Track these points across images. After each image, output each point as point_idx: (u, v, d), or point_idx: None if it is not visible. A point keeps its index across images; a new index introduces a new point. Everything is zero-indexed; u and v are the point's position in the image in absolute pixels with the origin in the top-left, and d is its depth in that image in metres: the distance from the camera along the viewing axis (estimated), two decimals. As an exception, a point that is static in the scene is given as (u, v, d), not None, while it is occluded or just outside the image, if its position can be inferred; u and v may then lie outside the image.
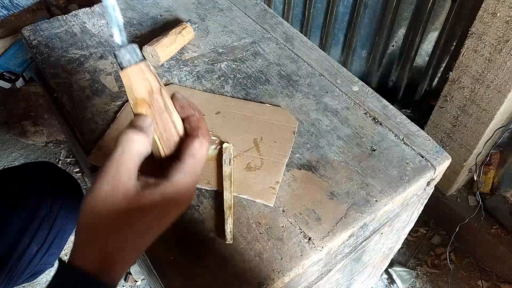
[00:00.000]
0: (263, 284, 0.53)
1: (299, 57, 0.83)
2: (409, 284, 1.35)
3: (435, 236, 1.45)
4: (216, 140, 0.67)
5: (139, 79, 0.41)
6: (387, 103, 0.76)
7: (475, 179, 1.32)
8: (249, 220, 0.59)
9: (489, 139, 1.19)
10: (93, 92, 0.76)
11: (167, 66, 0.80)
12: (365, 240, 0.67)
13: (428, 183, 0.70)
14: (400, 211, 0.71)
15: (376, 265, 0.96)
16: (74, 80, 0.77)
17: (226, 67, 0.81)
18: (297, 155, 0.67)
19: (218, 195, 0.61)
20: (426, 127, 1.32)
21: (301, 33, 0.91)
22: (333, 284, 0.76)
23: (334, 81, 0.79)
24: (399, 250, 1.28)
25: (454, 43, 1.32)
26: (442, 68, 1.43)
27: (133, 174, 0.38)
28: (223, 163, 0.63)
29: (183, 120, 0.44)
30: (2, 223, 0.75)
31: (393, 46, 1.47)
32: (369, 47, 1.50)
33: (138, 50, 0.41)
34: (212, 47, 0.85)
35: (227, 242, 0.56)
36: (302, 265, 0.55)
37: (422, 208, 0.81)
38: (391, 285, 1.35)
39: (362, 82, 0.79)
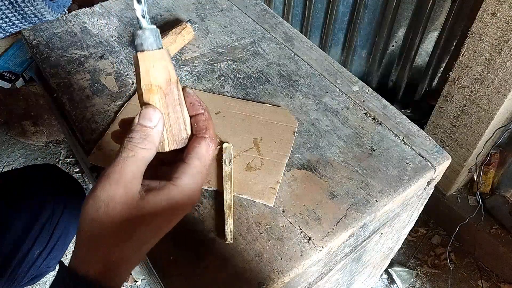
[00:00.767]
0: (263, 284, 0.53)
1: (299, 57, 0.83)
2: (409, 284, 1.35)
3: (435, 236, 1.45)
4: (216, 140, 0.67)
5: (160, 66, 0.38)
6: (387, 103, 0.76)
7: (475, 179, 1.32)
8: (249, 220, 0.59)
9: (489, 139, 1.19)
10: (93, 92, 0.75)
11: (167, 66, 0.80)
12: (365, 240, 0.67)
13: (428, 183, 0.70)
14: (400, 211, 0.71)
15: (376, 265, 0.96)
16: (74, 80, 0.77)
17: (226, 67, 0.81)
18: (297, 155, 0.67)
19: (218, 195, 0.61)
20: (426, 127, 1.32)
21: (301, 33, 0.91)
22: (333, 284, 0.76)
23: (334, 81, 0.79)
24: (399, 250, 1.28)
25: (454, 43, 1.32)
26: (442, 68, 1.43)
27: (137, 179, 0.37)
28: (223, 163, 0.63)
29: (190, 118, 0.42)
30: (4, 225, 0.75)
31: (393, 46, 1.47)
32: (369, 47, 1.50)
33: (160, 35, 0.40)
34: (212, 47, 0.85)
35: (227, 242, 0.56)
36: (302, 265, 0.55)
37: (422, 208, 0.81)
38: (391, 285, 1.35)
39: (362, 82, 0.79)
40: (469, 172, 1.33)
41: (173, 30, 0.81)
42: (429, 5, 1.28)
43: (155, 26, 0.40)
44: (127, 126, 0.40)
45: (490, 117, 1.11)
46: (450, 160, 0.69)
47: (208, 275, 0.53)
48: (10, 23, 0.44)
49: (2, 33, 0.45)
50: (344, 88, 0.78)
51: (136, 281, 1.35)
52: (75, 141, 0.74)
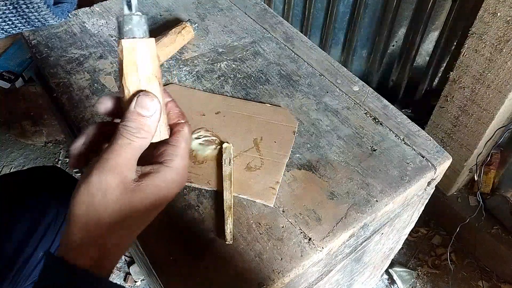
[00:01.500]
0: (263, 284, 0.53)
1: (299, 57, 0.83)
2: (410, 285, 1.35)
3: (435, 237, 1.45)
4: (216, 140, 0.67)
5: (154, 54, 0.38)
6: (388, 103, 0.76)
7: (476, 179, 1.32)
8: (249, 220, 0.58)
9: (489, 139, 1.19)
10: (92, 92, 0.75)
11: (167, 66, 0.80)
12: (365, 240, 0.67)
13: (429, 183, 0.70)
14: (400, 211, 0.70)
15: (377, 266, 0.96)
16: (73, 80, 0.77)
17: (226, 67, 0.81)
18: (297, 155, 0.66)
19: (218, 195, 0.61)
20: (426, 127, 1.32)
21: (301, 33, 0.90)
22: (333, 285, 0.76)
23: (334, 81, 0.79)
24: (399, 250, 1.27)
25: (455, 43, 1.32)
26: (442, 68, 1.43)
27: (133, 167, 0.38)
28: (223, 163, 0.63)
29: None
30: (8, 227, 0.75)
31: (393, 46, 1.47)
32: (369, 47, 1.50)
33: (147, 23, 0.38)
34: (212, 47, 0.85)
35: (227, 242, 0.56)
36: (302, 265, 0.55)
37: (422, 208, 0.80)
38: (392, 286, 1.35)
39: (363, 82, 0.79)
40: (469, 172, 1.33)
41: (173, 30, 0.81)
42: (430, 5, 1.28)
43: (142, 13, 0.38)
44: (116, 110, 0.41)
45: (491, 117, 1.11)
46: (451, 160, 0.69)
47: (208, 275, 0.53)
48: (13, 26, 0.44)
49: (4, 34, 0.45)
50: (344, 88, 0.77)
51: (136, 282, 1.35)
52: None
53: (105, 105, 0.42)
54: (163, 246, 0.55)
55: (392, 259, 1.05)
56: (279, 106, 0.74)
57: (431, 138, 0.70)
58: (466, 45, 1.08)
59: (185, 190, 0.61)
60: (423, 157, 0.67)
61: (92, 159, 0.38)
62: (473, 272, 1.37)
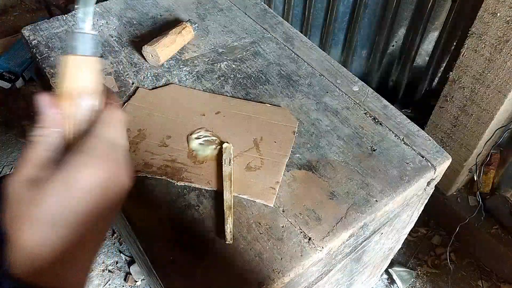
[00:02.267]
0: (263, 284, 0.53)
1: (299, 57, 0.83)
2: (409, 284, 1.35)
3: (435, 236, 1.45)
4: (216, 140, 0.67)
5: (84, 74, 0.38)
6: (387, 103, 0.76)
7: (475, 179, 1.32)
8: (249, 220, 0.59)
9: (489, 139, 1.19)
10: (93, 92, 0.75)
11: (167, 66, 0.80)
12: (365, 240, 0.67)
13: (428, 183, 0.70)
14: (400, 211, 0.71)
15: (376, 265, 0.96)
16: (74, 80, 0.77)
17: (226, 67, 0.81)
18: (297, 155, 0.67)
19: (218, 195, 0.61)
20: (426, 127, 1.32)
21: (301, 33, 0.91)
22: (333, 284, 0.76)
23: (334, 81, 0.79)
24: (399, 250, 1.28)
25: (454, 43, 1.32)
26: (442, 68, 1.43)
27: (37, 164, 0.36)
28: (223, 163, 0.63)
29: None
30: None
31: (393, 46, 1.47)
32: (369, 47, 1.50)
33: (98, 43, 0.40)
34: (212, 47, 0.85)
35: (227, 242, 0.56)
36: (302, 265, 0.55)
37: (422, 208, 0.81)
38: (391, 285, 1.35)
39: (362, 82, 0.79)
40: (469, 172, 1.33)
41: (173, 30, 0.81)
42: (429, 5, 1.28)
43: (96, 32, 0.40)
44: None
45: (491, 117, 1.11)
46: (450, 160, 0.69)
47: (208, 275, 0.53)
48: None
49: None
50: (344, 88, 0.78)
51: (136, 281, 1.35)
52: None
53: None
54: (163, 246, 0.56)
55: (392, 259, 1.05)
56: (279, 106, 0.74)
57: (431, 138, 0.70)
58: (466, 45, 1.08)
59: (185, 190, 0.62)
60: (423, 157, 0.67)
61: None
62: (473, 272, 1.37)
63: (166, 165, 0.63)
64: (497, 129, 1.17)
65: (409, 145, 0.69)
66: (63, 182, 0.35)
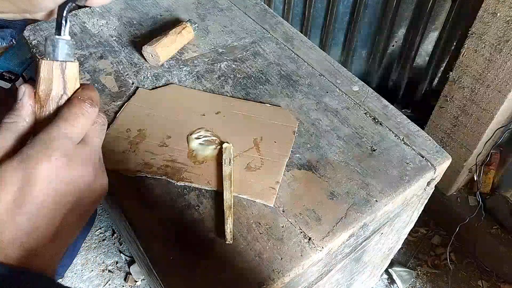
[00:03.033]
0: (263, 284, 0.53)
1: (299, 57, 0.83)
2: (409, 284, 1.35)
3: (435, 236, 1.45)
4: (216, 140, 0.67)
5: (55, 79, 0.40)
6: (387, 103, 0.76)
7: (475, 179, 1.32)
8: (249, 220, 0.59)
9: (489, 139, 1.19)
10: (93, 92, 0.75)
11: (167, 66, 0.80)
12: (365, 240, 0.67)
13: (428, 183, 0.70)
14: (400, 211, 0.71)
15: (376, 265, 0.96)
16: (74, 80, 0.77)
17: (226, 67, 0.81)
18: (297, 155, 0.67)
19: (218, 195, 0.61)
20: (426, 127, 1.32)
21: (301, 33, 0.91)
22: (333, 284, 0.76)
23: (334, 81, 0.79)
24: (399, 250, 1.28)
25: (454, 43, 1.32)
26: (442, 68, 1.43)
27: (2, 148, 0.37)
28: (223, 163, 0.63)
29: None
30: None
31: (393, 46, 1.47)
32: (369, 47, 1.50)
33: (72, 48, 0.41)
34: (212, 47, 0.85)
35: (227, 242, 0.56)
36: (302, 265, 0.55)
37: (422, 208, 0.81)
38: (391, 285, 1.35)
39: (362, 82, 0.79)
40: (469, 172, 1.33)
41: (173, 30, 0.81)
42: (429, 5, 1.28)
43: (70, 38, 0.41)
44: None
45: (491, 117, 1.11)
46: (450, 160, 0.69)
47: (208, 275, 0.53)
48: None
49: None
50: (344, 88, 0.78)
51: (136, 281, 1.35)
52: (75, 141, 0.74)
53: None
54: (163, 246, 0.56)
55: (392, 259, 1.05)
56: (279, 106, 0.74)
57: (431, 138, 0.70)
58: (466, 45, 1.08)
59: (185, 190, 0.62)
60: (423, 157, 0.67)
61: None
62: (473, 272, 1.37)
63: (166, 165, 0.64)
64: (497, 129, 1.17)
65: (409, 145, 0.69)
66: (23, 171, 0.35)
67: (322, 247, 0.56)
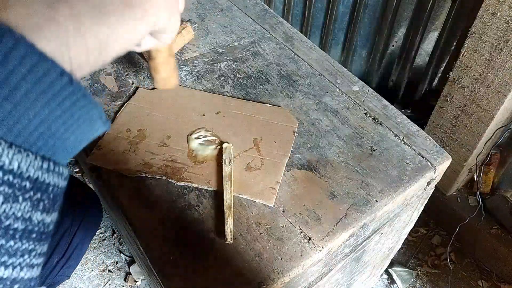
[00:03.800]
0: (263, 284, 0.53)
1: (299, 57, 0.83)
2: (409, 284, 1.35)
3: (435, 236, 1.45)
4: (216, 140, 0.67)
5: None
6: (387, 103, 0.76)
7: (475, 179, 1.32)
8: (249, 220, 0.59)
9: (489, 139, 1.19)
10: (93, 92, 0.75)
11: (167, 66, 0.80)
12: (365, 240, 0.67)
13: (428, 183, 0.70)
14: (400, 211, 0.71)
15: (376, 265, 0.96)
16: (74, 80, 0.77)
17: (226, 67, 0.81)
18: (297, 155, 0.67)
19: (218, 195, 0.61)
20: (426, 127, 1.32)
21: (301, 33, 0.91)
22: (333, 284, 0.76)
23: (334, 81, 0.79)
24: (399, 250, 1.28)
25: (454, 43, 1.32)
26: (442, 68, 1.43)
27: None
28: (223, 163, 0.63)
29: None
30: None
31: (393, 46, 1.47)
32: (369, 47, 1.50)
33: None
34: (212, 47, 0.85)
35: (227, 242, 0.56)
36: (302, 265, 0.55)
37: (422, 208, 0.81)
38: (391, 285, 1.35)
39: (362, 82, 0.79)
40: (469, 172, 1.33)
41: (173, 30, 0.81)
42: (429, 5, 1.28)
43: None
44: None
45: (490, 117, 1.11)
46: (450, 160, 0.69)
47: (208, 275, 0.53)
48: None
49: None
50: (344, 88, 0.78)
51: (136, 281, 1.35)
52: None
53: None
54: (163, 246, 0.56)
55: (392, 259, 1.05)
56: (279, 106, 0.74)
57: (431, 138, 0.70)
58: (465, 45, 1.08)
59: (185, 190, 0.62)
60: (423, 157, 0.67)
61: None
62: (473, 272, 1.37)
63: (166, 165, 0.64)
64: (497, 129, 1.17)
65: (409, 145, 0.69)
66: None
67: (322, 247, 0.56)
